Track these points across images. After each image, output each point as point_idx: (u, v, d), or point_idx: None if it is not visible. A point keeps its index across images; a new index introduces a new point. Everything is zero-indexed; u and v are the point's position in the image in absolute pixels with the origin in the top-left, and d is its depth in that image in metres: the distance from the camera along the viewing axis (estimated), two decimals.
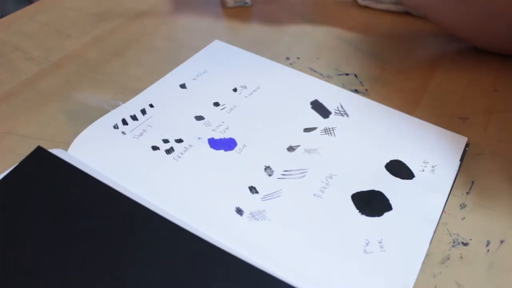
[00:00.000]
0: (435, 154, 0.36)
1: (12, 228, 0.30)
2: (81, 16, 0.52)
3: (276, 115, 0.39)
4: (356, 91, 0.43)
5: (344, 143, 0.37)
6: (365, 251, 0.30)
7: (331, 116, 0.39)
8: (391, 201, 0.32)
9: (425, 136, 0.38)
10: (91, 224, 0.30)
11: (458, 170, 0.35)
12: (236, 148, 0.36)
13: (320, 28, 0.51)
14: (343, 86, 0.43)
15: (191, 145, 0.36)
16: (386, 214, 0.32)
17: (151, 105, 0.40)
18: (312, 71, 0.45)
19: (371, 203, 0.32)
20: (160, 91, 0.41)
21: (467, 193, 0.34)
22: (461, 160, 0.36)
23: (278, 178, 0.34)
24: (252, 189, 0.33)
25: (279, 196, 0.33)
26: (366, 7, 0.55)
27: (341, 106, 0.40)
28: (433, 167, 0.35)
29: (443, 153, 0.36)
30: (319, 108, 0.40)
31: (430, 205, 0.32)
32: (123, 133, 0.37)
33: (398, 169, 0.35)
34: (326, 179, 0.34)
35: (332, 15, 0.54)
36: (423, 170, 0.35)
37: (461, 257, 0.30)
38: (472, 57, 0.47)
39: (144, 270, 0.28)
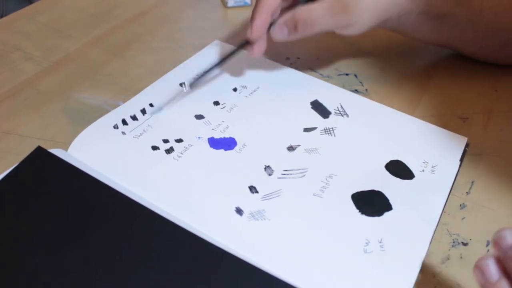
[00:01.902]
0: (435, 154, 0.36)
1: (13, 228, 0.30)
2: (81, 16, 0.53)
3: (276, 115, 0.39)
4: (356, 91, 0.43)
5: (344, 143, 0.37)
6: (365, 251, 0.29)
7: (331, 116, 0.39)
8: (391, 201, 0.32)
9: (425, 136, 0.38)
10: (91, 224, 0.30)
11: (458, 170, 0.35)
12: (236, 148, 0.36)
13: None
14: (343, 86, 0.43)
15: (191, 145, 0.36)
16: (386, 214, 0.32)
17: (151, 105, 0.40)
18: (312, 71, 0.45)
19: (371, 203, 0.32)
20: (160, 90, 0.41)
21: (467, 193, 0.34)
22: (461, 160, 0.36)
23: (278, 178, 0.34)
24: (252, 189, 0.33)
25: (279, 195, 0.33)
26: None
27: (341, 106, 0.40)
28: (433, 167, 0.35)
29: (443, 153, 0.36)
30: (319, 108, 0.40)
31: (430, 205, 0.32)
32: (123, 133, 0.37)
33: (398, 169, 0.35)
34: (326, 179, 0.34)
35: None
36: (423, 170, 0.35)
37: (461, 257, 0.30)
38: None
39: (144, 269, 0.28)
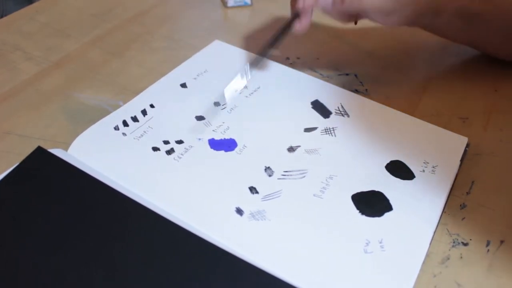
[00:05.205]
0: (436, 155, 0.36)
1: (12, 228, 0.30)
2: (81, 16, 0.53)
3: (277, 115, 0.39)
4: (356, 91, 0.43)
5: (345, 143, 0.37)
6: (366, 251, 0.30)
7: (331, 116, 0.39)
8: (391, 201, 0.32)
9: (425, 136, 0.38)
10: (90, 224, 0.30)
11: (458, 170, 0.35)
12: (237, 149, 0.36)
13: (320, 28, 0.51)
14: (343, 86, 0.43)
15: (191, 146, 0.36)
16: (387, 214, 0.32)
17: (151, 105, 0.40)
18: (312, 71, 0.45)
19: (371, 203, 0.32)
20: (161, 91, 0.41)
21: (467, 193, 0.34)
22: (461, 160, 0.36)
23: (278, 179, 0.34)
24: (252, 189, 0.33)
25: (279, 196, 0.33)
26: None
27: (342, 106, 0.40)
28: (433, 167, 0.35)
29: (444, 153, 0.36)
30: (320, 108, 0.40)
31: (430, 205, 0.32)
32: (124, 134, 0.37)
33: (399, 170, 0.35)
34: (326, 180, 0.34)
35: None
36: (423, 171, 0.35)
37: (461, 257, 0.30)
38: (472, 58, 0.47)
39: (144, 269, 0.28)
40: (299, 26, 0.39)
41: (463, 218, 0.32)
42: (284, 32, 0.39)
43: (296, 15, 0.38)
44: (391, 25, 0.39)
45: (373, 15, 0.39)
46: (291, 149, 0.36)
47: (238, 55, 0.46)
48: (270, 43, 0.38)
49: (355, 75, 0.45)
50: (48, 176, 0.33)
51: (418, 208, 0.32)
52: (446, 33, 0.43)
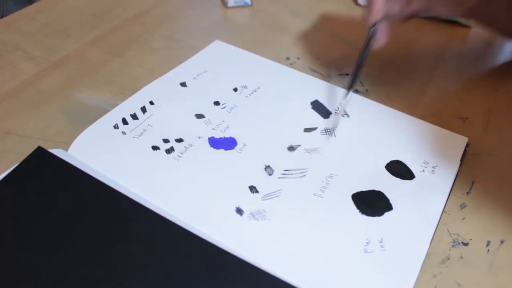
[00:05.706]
0: (436, 155, 0.36)
1: (12, 228, 0.30)
2: (81, 16, 0.52)
3: (277, 115, 0.39)
4: (356, 91, 0.43)
5: (345, 143, 0.37)
6: (366, 251, 0.30)
7: (331, 116, 0.39)
8: (391, 201, 0.32)
9: (425, 136, 0.38)
10: (90, 224, 0.30)
11: (458, 170, 0.35)
12: (237, 148, 0.36)
13: (320, 28, 0.51)
14: (343, 86, 0.43)
15: (191, 145, 0.36)
16: (387, 214, 0.32)
17: (151, 102, 0.40)
18: (312, 71, 0.45)
19: (372, 203, 0.32)
20: (160, 89, 0.41)
21: (467, 193, 0.34)
22: (461, 160, 0.36)
23: (278, 178, 0.34)
24: (252, 189, 0.33)
25: (279, 195, 0.33)
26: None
27: (342, 106, 0.40)
28: (433, 167, 0.35)
29: (444, 153, 0.36)
30: (320, 108, 0.40)
31: (430, 205, 0.32)
32: (123, 133, 0.37)
33: (399, 170, 0.35)
34: (326, 179, 0.34)
35: (332, 15, 0.54)
36: (423, 171, 0.35)
37: (461, 257, 0.30)
38: (473, 57, 0.47)
39: (144, 269, 0.28)
40: (376, 43, 0.39)
41: (463, 218, 0.32)
42: (364, 55, 0.38)
43: (372, 33, 0.38)
44: (449, 15, 0.39)
45: (440, 7, 0.38)
46: (291, 148, 0.36)
47: (238, 55, 0.46)
48: (355, 72, 0.38)
49: None
50: (48, 176, 0.33)
51: (419, 208, 0.32)
52: (496, 22, 0.42)
